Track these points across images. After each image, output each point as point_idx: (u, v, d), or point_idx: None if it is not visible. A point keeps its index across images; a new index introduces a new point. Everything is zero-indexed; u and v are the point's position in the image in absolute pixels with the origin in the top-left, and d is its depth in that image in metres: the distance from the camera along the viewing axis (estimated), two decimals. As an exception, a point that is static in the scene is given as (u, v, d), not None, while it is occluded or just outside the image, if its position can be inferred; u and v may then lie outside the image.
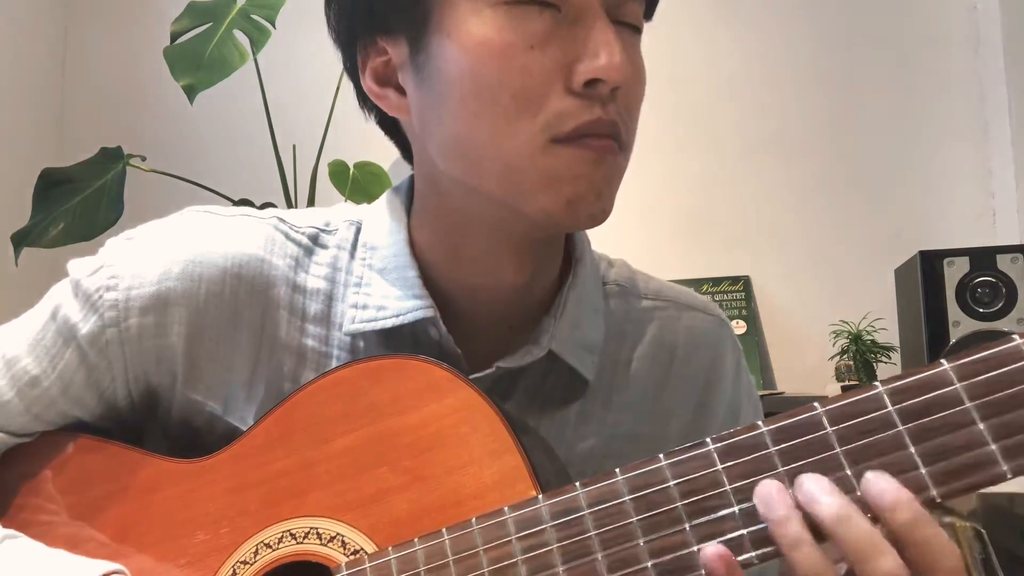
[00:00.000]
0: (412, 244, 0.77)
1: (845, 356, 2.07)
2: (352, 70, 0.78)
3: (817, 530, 0.51)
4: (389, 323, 0.73)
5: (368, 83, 0.75)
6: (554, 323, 0.76)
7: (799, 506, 0.51)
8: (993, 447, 0.50)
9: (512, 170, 0.67)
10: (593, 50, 0.65)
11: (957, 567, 0.50)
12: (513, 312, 0.78)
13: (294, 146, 2.23)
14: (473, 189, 0.70)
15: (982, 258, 1.82)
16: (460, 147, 0.69)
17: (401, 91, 0.73)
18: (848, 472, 0.52)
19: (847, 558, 0.50)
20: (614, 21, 0.68)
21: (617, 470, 0.57)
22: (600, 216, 0.70)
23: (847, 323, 2.10)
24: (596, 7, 0.67)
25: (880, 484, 0.50)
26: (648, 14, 0.74)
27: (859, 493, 0.51)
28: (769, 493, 0.52)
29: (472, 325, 0.76)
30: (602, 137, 0.67)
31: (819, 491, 0.51)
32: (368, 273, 0.76)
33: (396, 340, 0.75)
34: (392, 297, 0.74)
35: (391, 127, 0.81)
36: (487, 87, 0.66)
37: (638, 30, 0.72)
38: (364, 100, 0.79)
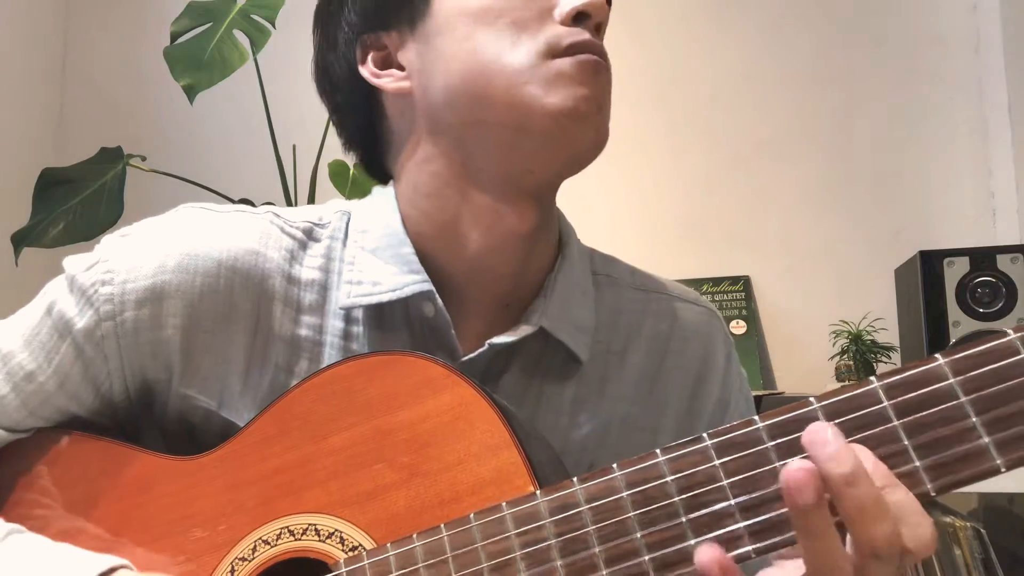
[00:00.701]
0: (405, 223, 0.78)
1: (845, 356, 2.07)
2: (342, 72, 0.84)
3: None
4: (385, 297, 0.74)
5: (370, 70, 0.80)
6: (544, 302, 0.77)
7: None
8: (986, 440, 0.50)
9: (517, 85, 0.72)
10: None
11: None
12: (506, 292, 0.79)
13: (294, 146, 2.23)
14: (480, 122, 0.74)
15: (982, 258, 1.82)
16: (465, 81, 0.74)
17: (400, 68, 0.79)
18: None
19: (848, 520, 0.50)
20: None
21: (615, 465, 0.57)
22: (603, 132, 0.76)
23: (847, 323, 2.10)
24: None
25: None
26: None
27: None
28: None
29: (465, 303, 0.78)
30: (595, 55, 0.74)
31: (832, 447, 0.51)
32: (361, 254, 0.78)
33: (390, 317, 0.76)
34: (388, 273, 0.76)
35: (369, 138, 0.85)
36: (486, 19, 0.73)
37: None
38: (343, 118, 0.87)
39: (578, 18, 0.74)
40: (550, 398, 0.79)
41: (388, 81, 0.79)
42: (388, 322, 0.76)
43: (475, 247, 0.76)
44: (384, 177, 0.86)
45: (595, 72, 0.74)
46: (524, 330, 0.76)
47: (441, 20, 0.76)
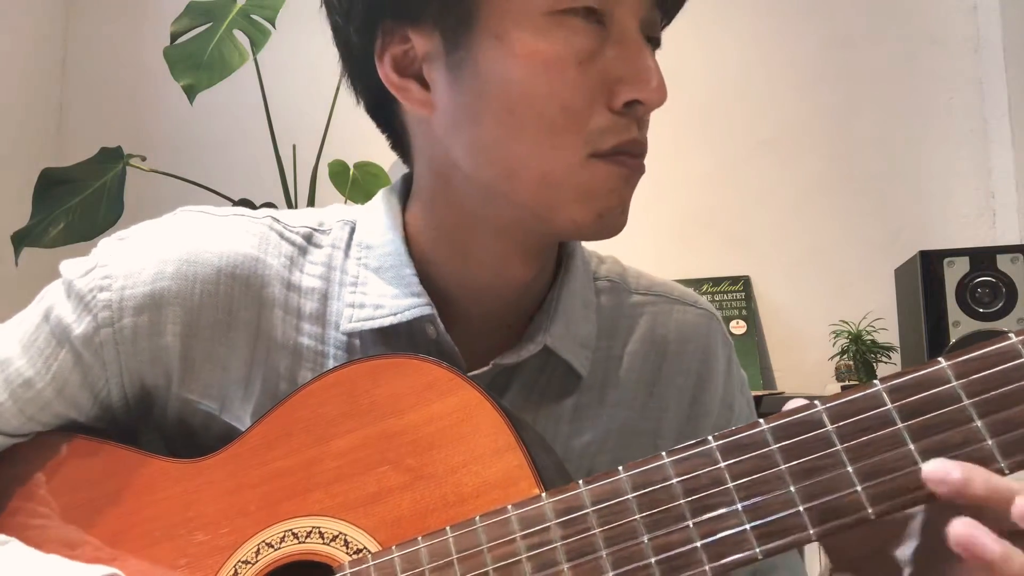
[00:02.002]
0: (408, 242, 0.77)
1: (845, 356, 2.07)
2: (358, 50, 0.75)
3: None
4: (387, 322, 0.73)
5: (387, 72, 0.72)
6: (548, 319, 0.77)
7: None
8: (990, 443, 0.50)
9: (550, 182, 0.69)
10: (637, 73, 0.68)
11: None
12: (510, 310, 0.78)
13: (294, 146, 2.23)
14: (500, 193, 0.71)
15: (982, 258, 1.82)
16: (497, 154, 0.69)
17: (425, 84, 0.72)
18: (848, 469, 0.52)
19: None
20: (646, 39, 0.70)
21: (620, 468, 0.57)
22: (621, 227, 0.72)
23: (847, 323, 2.10)
24: (637, 29, 0.69)
25: (940, 467, 0.50)
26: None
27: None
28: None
29: (468, 323, 0.77)
30: (635, 156, 0.70)
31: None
32: (364, 272, 0.76)
33: (393, 339, 0.75)
34: (389, 295, 0.74)
35: (384, 117, 0.80)
36: (537, 99, 0.67)
37: (658, 44, 0.75)
38: (356, 84, 0.78)
39: (630, 104, 0.68)
40: (551, 409, 0.78)
41: (408, 96, 0.73)
42: (392, 342, 0.75)
43: (479, 281, 0.76)
44: (404, 150, 0.80)
45: (630, 179, 0.71)
46: (528, 349, 0.75)
47: (483, 71, 0.68)
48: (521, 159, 0.69)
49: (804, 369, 2.22)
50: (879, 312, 2.10)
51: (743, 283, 2.26)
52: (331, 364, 0.75)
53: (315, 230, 0.80)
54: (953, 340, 1.81)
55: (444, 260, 0.76)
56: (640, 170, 0.71)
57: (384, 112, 0.79)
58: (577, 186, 0.69)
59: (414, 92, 0.72)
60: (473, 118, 0.69)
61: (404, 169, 0.82)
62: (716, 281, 2.26)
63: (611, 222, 0.71)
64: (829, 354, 2.12)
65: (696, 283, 2.24)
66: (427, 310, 0.73)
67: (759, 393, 1.96)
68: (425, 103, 0.72)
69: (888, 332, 2.09)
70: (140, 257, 0.75)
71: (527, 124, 0.67)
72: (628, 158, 0.70)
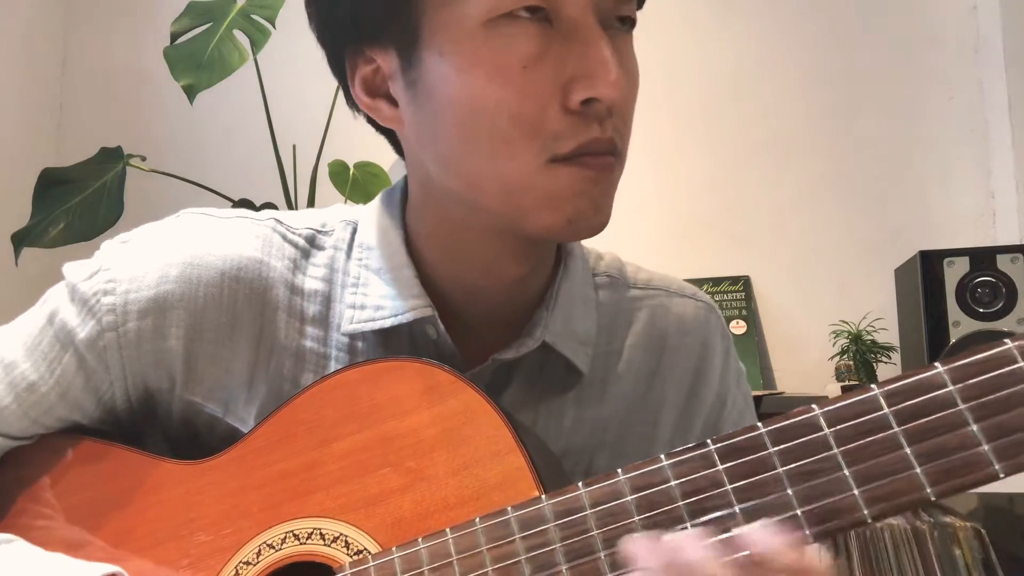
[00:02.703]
0: (408, 243, 0.77)
1: (845, 356, 2.07)
2: (340, 75, 0.77)
3: None
4: (387, 323, 0.74)
5: (358, 93, 0.74)
6: (547, 315, 0.77)
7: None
8: (986, 447, 0.51)
9: (512, 191, 0.67)
10: (590, 69, 0.65)
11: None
12: (508, 307, 0.78)
13: (294, 146, 2.23)
14: (470, 202, 0.70)
15: (982, 258, 1.82)
16: (457, 166, 0.69)
17: (393, 102, 0.72)
18: (846, 472, 0.53)
19: None
20: (610, 18, 0.68)
21: (619, 470, 0.58)
22: (599, 228, 0.70)
23: (847, 323, 2.10)
24: (590, 20, 0.66)
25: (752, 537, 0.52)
26: (640, 3, 0.73)
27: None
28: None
29: (468, 322, 0.77)
30: (600, 155, 0.67)
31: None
32: (365, 273, 0.76)
33: (394, 339, 0.75)
34: (389, 297, 0.75)
35: (380, 127, 0.80)
36: (483, 110, 0.65)
37: (632, 23, 0.71)
38: (351, 103, 0.79)
39: (588, 102, 0.65)
40: (551, 406, 0.79)
41: (379, 115, 0.74)
42: (393, 343, 0.76)
43: (474, 281, 0.76)
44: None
45: (597, 180, 0.67)
46: (528, 345, 0.76)
47: (432, 87, 0.68)
48: (481, 171, 0.68)
49: (804, 369, 2.22)
50: (879, 312, 2.11)
51: (743, 283, 2.26)
52: (333, 366, 0.76)
53: (318, 231, 0.80)
54: (953, 340, 1.81)
55: (439, 261, 0.77)
56: (608, 167, 0.68)
57: (378, 123, 0.79)
58: (541, 193, 0.67)
59: (384, 111, 0.73)
60: (432, 134, 0.69)
61: (404, 169, 0.82)
62: (716, 281, 2.26)
63: (584, 225, 0.69)
64: (829, 354, 2.12)
65: (696, 283, 2.20)
66: (427, 311, 0.73)
67: (759, 393, 1.96)
68: (395, 119, 0.73)
69: (888, 332, 2.09)
70: (144, 260, 0.75)
71: (479, 137, 0.66)
72: (591, 158, 0.67)
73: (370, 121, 0.80)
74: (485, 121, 0.65)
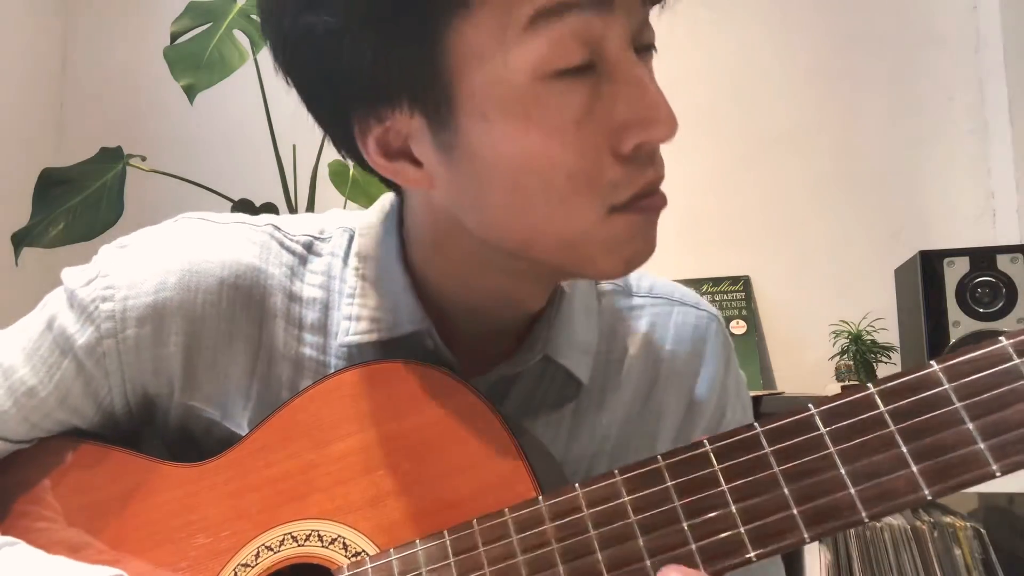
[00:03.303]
0: (407, 254, 0.76)
1: (845, 356, 2.07)
2: (333, 128, 0.70)
3: None
4: (384, 336, 0.73)
5: (374, 158, 0.67)
6: (548, 328, 0.76)
7: None
8: (982, 446, 0.51)
9: (571, 245, 0.64)
10: (643, 113, 0.61)
11: None
12: (509, 322, 0.78)
13: (294, 146, 2.23)
14: (515, 252, 0.67)
15: (982, 258, 1.82)
16: (511, 227, 0.65)
17: (416, 162, 0.66)
18: (842, 471, 0.53)
19: None
20: (639, 46, 0.65)
21: (616, 470, 0.58)
22: (649, 257, 0.68)
23: (847, 323, 2.10)
24: (631, 56, 0.62)
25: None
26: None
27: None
28: None
29: (466, 333, 0.76)
30: (654, 195, 0.65)
31: None
32: (362, 284, 0.75)
33: (392, 350, 0.75)
34: (386, 309, 0.74)
35: (372, 171, 0.73)
36: (539, 172, 0.61)
37: (653, 47, 0.68)
38: (341, 150, 0.72)
39: (640, 145, 0.62)
40: (550, 416, 0.78)
41: (404, 178, 0.67)
42: (391, 354, 0.74)
43: (479, 304, 0.74)
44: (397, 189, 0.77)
45: (651, 220, 0.66)
46: (527, 359, 0.75)
47: (476, 153, 0.62)
48: (536, 230, 0.64)
49: (804, 369, 2.22)
50: (879, 312, 2.11)
51: (743, 283, 2.26)
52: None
53: (315, 238, 0.79)
54: (953, 340, 1.81)
55: (442, 279, 0.74)
56: (661, 205, 0.66)
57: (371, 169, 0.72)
58: (600, 243, 0.64)
59: (409, 173, 0.67)
60: (475, 198, 0.65)
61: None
62: (716, 281, 2.27)
63: (640, 262, 0.67)
64: (829, 354, 2.12)
65: (696, 283, 2.24)
66: (424, 324, 0.73)
67: (759, 393, 1.96)
68: (423, 180, 0.67)
69: (888, 332, 2.09)
70: (142, 267, 0.74)
71: (536, 198, 0.62)
72: (647, 200, 0.64)
73: (361, 166, 0.73)
74: (541, 181, 0.62)
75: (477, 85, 0.60)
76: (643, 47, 0.65)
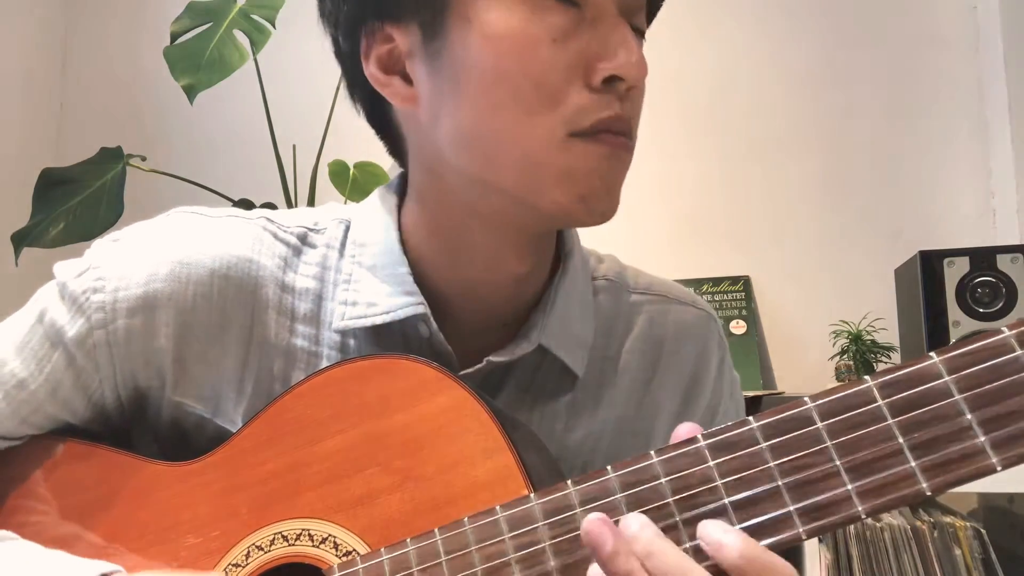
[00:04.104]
0: (403, 241, 0.77)
1: (845, 356, 2.07)
2: (348, 56, 0.76)
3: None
4: (379, 320, 0.73)
5: (372, 71, 0.73)
6: (543, 317, 0.76)
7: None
8: (982, 439, 0.50)
9: (530, 163, 0.67)
10: (614, 49, 0.66)
11: None
12: (505, 308, 0.78)
13: (294, 146, 2.23)
14: (483, 181, 0.70)
15: (982, 258, 1.82)
16: (476, 138, 0.69)
17: (408, 80, 0.72)
18: (839, 464, 0.52)
19: None
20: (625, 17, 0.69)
21: (609, 467, 0.57)
22: (609, 213, 0.71)
23: (847, 323, 2.10)
24: (614, 9, 0.68)
25: (706, 530, 0.53)
26: (648, 21, 0.76)
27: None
28: (596, 529, 0.53)
29: (463, 321, 0.76)
30: (617, 134, 0.68)
31: (632, 528, 0.53)
32: (358, 270, 0.76)
33: (386, 337, 0.75)
34: (382, 294, 0.74)
35: (380, 122, 0.80)
36: (509, 78, 0.66)
37: (643, 35, 0.74)
38: (354, 92, 0.79)
39: (610, 80, 0.67)
40: (545, 409, 0.78)
41: (392, 92, 0.73)
42: (385, 340, 0.75)
43: (473, 277, 0.76)
44: (401, 154, 0.81)
45: (613, 158, 0.68)
46: (523, 347, 0.75)
47: (457, 56, 0.68)
48: (499, 141, 0.67)
49: (804, 369, 2.21)
50: (879, 312, 2.10)
51: (743, 283, 2.25)
52: (324, 364, 0.75)
53: (310, 230, 0.79)
54: (953, 340, 1.80)
55: (437, 257, 0.76)
56: (623, 147, 0.69)
57: (379, 116, 0.79)
58: (557, 167, 0.67)
59: (398, 88, 0.72)
60: (451, 104, 0.69)
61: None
62: (716, 281, 2.26)
63: (595, 205, 0.69)
64: (829, 354, 2.11)
65: (696, 283, 2.23)
66: (420, 309, 0.73)
67: (759, 393, 1.95)
68: (409, 97, 0.72)
69: (888, 332, 2.09)
70: (133, 259, 0.75)
71: (502, 104, 0.66)
72: (609, 135, 0.68)
73: (371, 121, 0.80)
74: (509, 87, 0.66)
75: None
76: (632, 26, 0.70)
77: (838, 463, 0.52)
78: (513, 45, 0.66)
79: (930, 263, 1.84)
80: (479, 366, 0.74)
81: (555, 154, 0.67)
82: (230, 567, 0.67)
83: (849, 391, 0.53)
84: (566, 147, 0.67)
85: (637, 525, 0.53)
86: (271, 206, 2.11)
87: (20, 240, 2.01)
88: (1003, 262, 1.80)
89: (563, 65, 0.66)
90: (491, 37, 0.66)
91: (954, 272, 1.82)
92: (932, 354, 0.52)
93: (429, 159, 0.74)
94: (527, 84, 0.66)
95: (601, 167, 0.68)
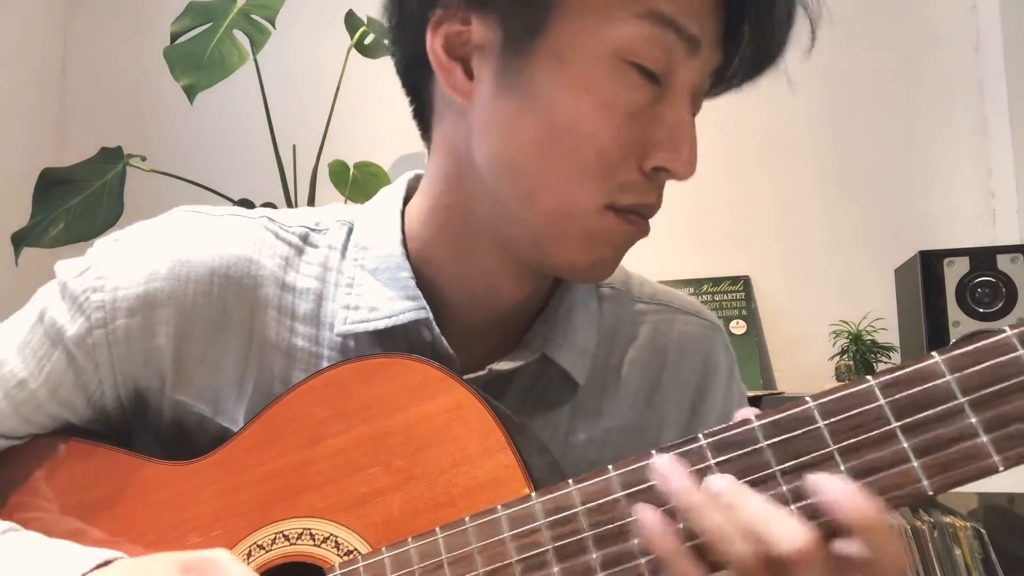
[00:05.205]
0: (406, 244, 0.76)
1: (845, 356, 2.07)
2: (416, 10, 0.71)
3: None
4: (381, 324, 0.73)
5: (436, 47, 0.69)
6: (547, 326, 0.76)
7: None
8: (984, 439, 0.50)
9: (564, 218, 0.68)
10: (675, 142, 0.68)
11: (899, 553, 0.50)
12: (508, 316, 0.77)
13: (294, 146, 2.23)
14: (510, 210, 0.70)
15: (982, 258, 1.81)
16: (522, 172, 0.68)
17: (470, 73, 0.70)
18: (840, 466, 0.52)
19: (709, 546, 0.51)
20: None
21: (610, 467, 0.57)
22: (604, 277, 0.74)
23: (847, 323, 2.10)
24: (687, 95, 0.69)
25: (822, 485, 0.51)
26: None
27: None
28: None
29: (465, 327, 0.76)
30: (645, 219, 0.71)
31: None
32: (360, 274, 0.75)
33: (389, 341, 0.75)
34: (384, 298, 0.74)
35: (415, 86, 0.77)
36: (578, 134, 0.66)
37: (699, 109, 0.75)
38: (400, 46, 0.75)
39: (658, 169, 0.69)
40: (547, 416, 0.78)
41: (450, 78, 0.70)
42: (387, 345, 0.75)
43: (473, 290, 0.75)
44: (427, 124, 0.78)
45: (630, 237, 0.72)
46: (526, 356, 0.75)
47: (536, 87, 0.66)
48: (544, 186, 0.67)
49: (804, 369, 2.21)
50: (879, 312, 2.10)
51: (743, 283, 2.25)
52: (324, 365, 0.75)
53: (311, 230, 0.79)
54: (953, 340, 1.80)
55: (441, 262, 0.75)
56: (644, 233, 0.72)
57: (414, 77, 0.76)
58: (587, 231, 0.68)
59: (457, 77, 0.70)
60: (510, 129, 0.68)
61: (405, 169, 0.81)
62: (716, 281, 2.26)
63: (601, 270, 0.72)
64: (829, 354, 2.11)
65: (696, 283, 2.23)
66: (422, 314, 0.72)
67: (759, 393, 1.95)
68: (465, 92, 0.70)
69: (888, 332, 2.09)
70: (134, 258, 0.74)
71: (561, 156, 0.66)
72: (638, 218, 0.70)
73: (403, 74, 0.76)
74: (575, 143, 0.66)
75: (568, 31, 0.65)
76: (694, 107, 0.72)
77: (840, 464, 0.52)
78: (595, 105, 0.66)
79: (930, 263, 1.84)
80: (481, 373, 0.74)
81: (590, 219, 0.68)
82: None
83: (851, 391, 0.53)
84: (601, 216, 0.68)
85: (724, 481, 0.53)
86: (271, 206, 2.11)
87: (20, 240, 2.01)
88: (1003, 262, 1.80)
89: (628, 140, 0.67)
90: (575, 86, 0.65)
91: (954, 272, 1.82)
92: (934, 354, 0.52)
93: (459, 155, 0.72)
94: (591, 147, 0.66)
95: (620, 241, 0.71)
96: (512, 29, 0.67)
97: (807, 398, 0.54)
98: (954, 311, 1.81)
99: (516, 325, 0.78)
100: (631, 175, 0.68)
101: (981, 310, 1.80)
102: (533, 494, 0.58)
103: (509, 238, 0.72)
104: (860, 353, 2.05)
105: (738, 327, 2.21)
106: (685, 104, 0.69)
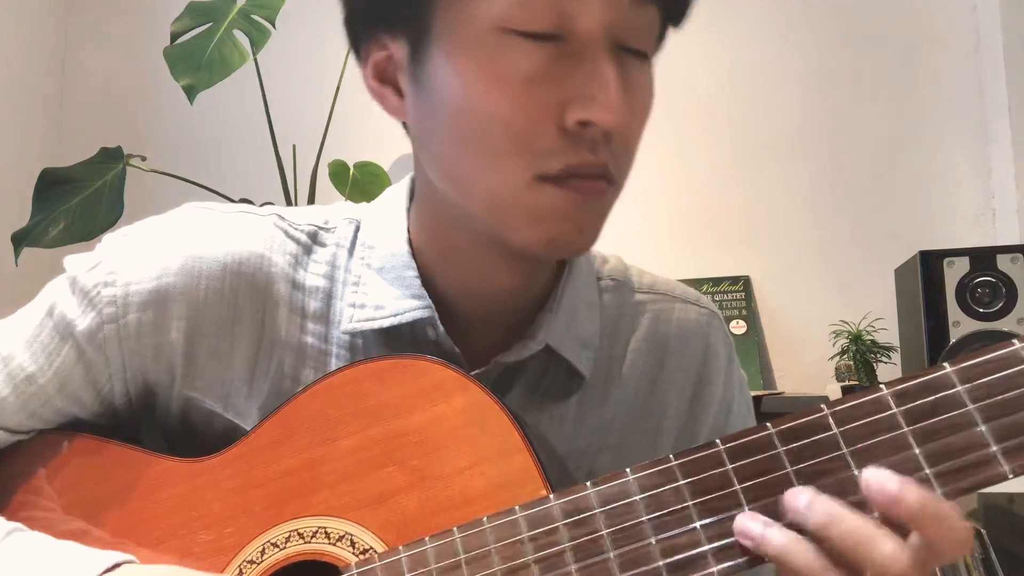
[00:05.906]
0: (411, 244, 0.77)
1: (845, 356, 2.07)
2: (358, 55, 0.76)
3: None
4: (387, 323, 0.73)
5: (368, 77, 0.73)
6: (549, 318, 0.77)
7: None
8: (994, 448, 0.51)
9: (497, 203, 0.67)
10: (588, 91, 0.63)
11: (967, 539, 0.51)
12: (510, 310, 0.78)
13: (294, 146, 2.23)
14: (459, 206, 0.70)
15: (982, 258, 1.82)
16: (449, 169, 0.69)
17: (400, 92, 0.72)
18: (854, 472, 0.53)
19: (847, 555, 0.51)
20: (621, 49, 0.66)
21: (628, 469, 0.58)
22: (583, 248, 0.70)
23: (847, 323, 2.11)
24: (599, 41, 0.64)
25: (880, 477, 0.51)
26: (660, 40, 0.73)
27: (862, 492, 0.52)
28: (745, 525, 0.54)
29: (469, 324, 0.77)
30: (590, 178, 0.66)
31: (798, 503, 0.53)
32: (367, 272, 0.76)
33: (394, 339, 0.75)
34: (390, 297, 0.74)
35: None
36: (478, 118, 0.65)
37: (647, 56, 0.70)
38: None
39: (584, 123, 0.64)
40: (554, 409, 0.78)
41: (386, 102, 0.73)
42: (393, 342, 0.75)
43: (470, 286, 0.76)
44: None
45: (583, 203, 0.66)
46: (530, 347, 0.75)
47: (434, 87, 0.67)
48: (470, 178, 0.67)
49: (804, 369, 2.22)
50: (879, 312, 2.11)
51: (743, 283, 2.26)
52: (334, 363, 0.75)
53: (320, 228, 0.80)
54: (953, 340, 1.81)
55: (437, 261, 0.76)
56: (597, 192, 0.67)
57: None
58: (525, 209, 0.66)
59: (390, 100, 0.73)
60: (430, 132, 0.69)
61: (405, 169, 0.82)
62: (716, 281, 2.26)
63: (565, 245, 0.68)
64: (829, 354, 2.12)
65: (696, 283, 2.24)
66: (426, 312, 0.73)
67: (759, 393, 1.95)
68: (400, 111, 0.73)
69: (888, 332, 2.09)
70: (145, 253, 0.75)
71: (471, 144, 0.66)
72: (579, 180, 0.65)
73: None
74: (478, 129, 0.65)
75: (450, 22, 0.65)
76: (628, 49, 0.67)
77: (854, 470, 0.53)
78: (484, 85, 0.64)
79: (930, 263, 1.85)
80: (487, 367, 0.74)
81: (522, 196, 0.65)
82: (245, 564, 0.67)
83: (865, 399, 0.54)
84: (534, 190, 0.65)
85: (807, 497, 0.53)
86: (271, 206, 2.12)
87: (20, 240, 2.01)
88: (1003, 262, 1.81)
89: (534, 107, 0.64)
90: (463, 73, 0.65)
91: (954, 272, 1.82)
92: (945, 364, 0.54)
93: (420, 169, 0.75)
94: (495, 125, 0.64)
95: (572, 212, 0.66)
96: (411, 38, 0.68)
97: (822, 405, 0.55)
98: (954, 311, 1.82)
99: (519, 319, 0.78)
100: (549, 140, 0.64)
101: (981, 310, 1.80)
102: (551, 496, 0.59)
103: (478, 230, 0.72)
104: (860, 353, 2.05)
105: (738, 327, 2.22)
106: (596, 46, 0.64)
